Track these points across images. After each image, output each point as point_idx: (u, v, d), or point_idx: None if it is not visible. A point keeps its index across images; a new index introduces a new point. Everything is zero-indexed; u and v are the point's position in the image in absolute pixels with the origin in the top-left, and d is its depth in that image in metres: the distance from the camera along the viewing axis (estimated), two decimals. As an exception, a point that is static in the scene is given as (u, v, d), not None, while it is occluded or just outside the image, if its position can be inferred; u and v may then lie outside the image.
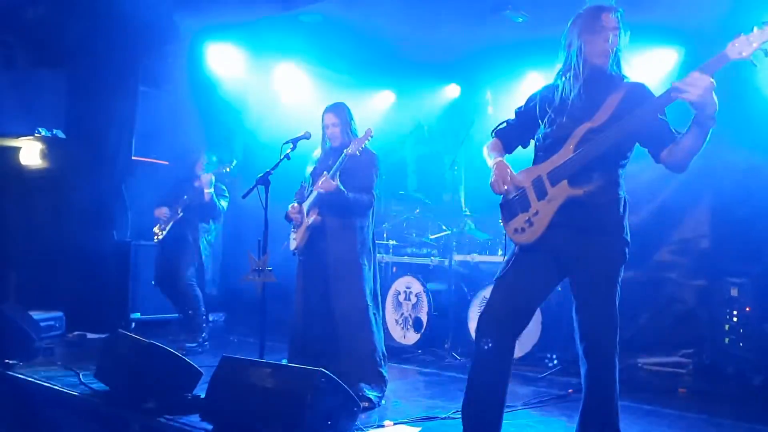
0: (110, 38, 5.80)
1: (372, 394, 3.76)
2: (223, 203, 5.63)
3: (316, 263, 4.12)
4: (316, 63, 6.99)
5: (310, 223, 4.10)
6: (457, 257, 5.85)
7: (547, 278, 2.67)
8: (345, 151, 3.98)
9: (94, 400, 3.61)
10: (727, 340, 4.57)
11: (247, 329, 6.23)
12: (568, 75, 2.66)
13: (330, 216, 4.08)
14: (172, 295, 5.63)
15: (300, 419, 2.78)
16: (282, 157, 4.09)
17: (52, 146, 6.26)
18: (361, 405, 3.29)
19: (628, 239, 2.62)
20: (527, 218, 2.63)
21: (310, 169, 4.30)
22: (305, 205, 4.20)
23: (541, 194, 2.61)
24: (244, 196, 4.22)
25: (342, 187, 3.94)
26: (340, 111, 4.23)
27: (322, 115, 4.28)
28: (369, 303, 4.01)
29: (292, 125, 5.80)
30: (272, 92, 7.11)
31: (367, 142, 4.01)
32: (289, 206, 4.26)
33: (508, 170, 2.68)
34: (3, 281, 5.89)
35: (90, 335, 5.60)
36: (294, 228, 4.28)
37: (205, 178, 5.42)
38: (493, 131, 2.95)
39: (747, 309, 4.52)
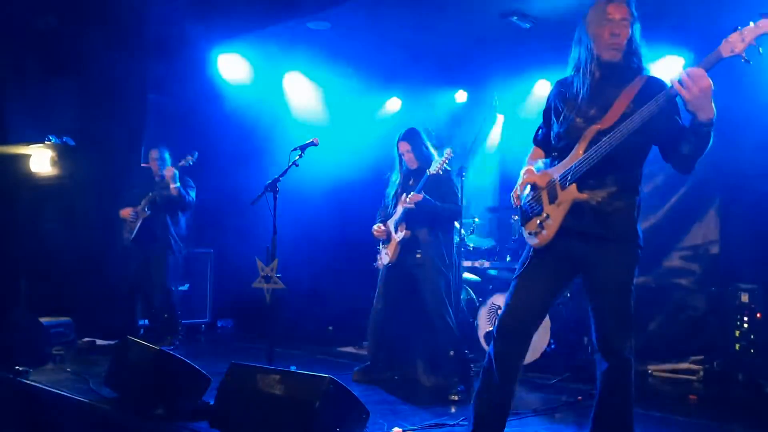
0: (120, 47, 5.84)
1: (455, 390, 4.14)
2: (191, 194, 5.67)
3: (402, 272, 4.52)
4: (323, 70, 7.02)
5: (400, 238, 4.45)
6: (466, 263, 5.84)
7: (559, 279, 2.66)
8: (428, 171, 4.31)
9: (104, 407, 3.62)
10: (738, 346, 4.54)
11: (256, 336, 6.24)
12: (579, 71, 2.60)
13: (420, 228, 4.45)
14: (149, 298, 5.71)
15: (308, 426, 2.78)
16: (290, 164, 4.13)
17: (62, 154, 6.29)
18: (453, 398, 4.03)
19: (641, 243, 2.59)
20: (540, 221, 2.60)
21: (391, 191, 4.70)
22: (391, 223, 4.57)
23: (553, 198, 2.58)
24: (253, 203, 4.27)
25: (428, 197, 4.31)
26: (411, 137, 4.59)
27: (396, 144, 4.64)
28: (450, 308, 4.43)
29: (300, 132, 5.85)
30: (281, 99, 7.14)
31: (447, 162, 4.32)
32: (374, 227, 4.64)
33: (527, 177, 2.68)
34: (13, 288, 5.91)
35: (99, 342, 5.61)
36: (383, 244, 4.66)
37: (169, 172, 5.47)
38: (533, 139, 2.93)
39: (758, 315, 4.49)
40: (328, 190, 6.89)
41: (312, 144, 4.22)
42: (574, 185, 2.51)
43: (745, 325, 4.50)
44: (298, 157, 4.17)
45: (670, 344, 5.32)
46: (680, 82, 2.24)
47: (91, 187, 6.23)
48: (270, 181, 4.17)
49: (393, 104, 7.57)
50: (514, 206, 2.77)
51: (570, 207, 2.52)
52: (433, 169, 4.29)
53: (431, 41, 6.12)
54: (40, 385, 4.01)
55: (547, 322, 4.86)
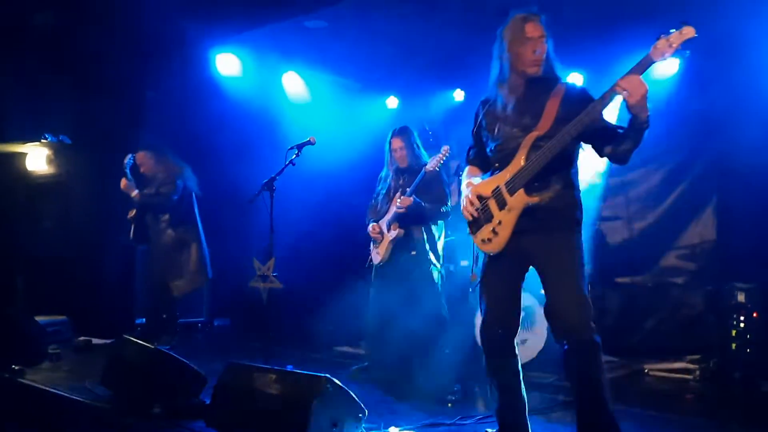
0: (117, 45, 5.83)
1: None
2: (166, 191, 5.62)
3: (402, 270, 4.49)
4: (321, 68, 7.01)
5: (393, 237, 4.45)
6: (463, 263, 5.83)
7: (516, 274, 2.81)
8: (425, 168, 4.32)
9: (100, 406, 3.61)
10: (734, 345, 4.54)
11: (253, 335, 6.23)
12: (503, 87, 2.78)
13: (413, 225, 4.46)
14: (149, 297, 5.71)
15: (305, 425, 2.77)
16: (287, 162, 4.14)
17: (58, 152, 6.28)
18: (450, 398, 3.96)
19: (581, 230, 2.76)
20: (492, 228, 2.74)
21: (381, 189, 4.70)
22: (383, 222, 4.56)
23: (502, 204, 2.72)
24: (249, 202, 4.26)
25: (418, 200, 4.32)
26: (405, 135, 4.58)
27: (389, 140, 4.61)
28: (446, 304, 4.53)
29: (297, 131, 5.83)
30: (278, 98, 7.13)
31: (444, 159, 4.32)
32: (369, 227, 4.65)
33: (474, 190, 2.81)
34: (10, 286, 5.91)
35: (96, 340, 5.60)
36: (375, 243, 4.64)
37: (121, 185, 5.54)
38: (465, 159, 3.07)
39: (754, 314, 4.49)
40: (325, 188, 6.88)
41: (309, 143, 4.23)
42: (522, 190, 2.66)
43: (742, 325, 4.50)
44: (294, 155, 4.18)
45: (667, 343, 5.32)
46: (621, 86, 2.42)
47: (88, 186, 6.22)
48: (267, 180, 4.16)
49: (391, 103, 7.57)
50: (467, 219, 2.87)
51: (521, 211, 2.67)
52: (430, 167, 4.31)
53: (429, 40, 6.11)
54: (36, 384, 4.01)
55: (543, 322, 4.86)
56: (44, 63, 6.04)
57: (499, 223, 2.71)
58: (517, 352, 2.87)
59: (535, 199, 2.64)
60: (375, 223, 4.65)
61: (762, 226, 4.90)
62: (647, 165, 5.72)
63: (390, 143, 4.62)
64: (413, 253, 4.49)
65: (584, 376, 2.59)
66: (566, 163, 2.70)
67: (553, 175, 2.66)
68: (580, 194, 2.77)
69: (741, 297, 4.56)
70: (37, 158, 6.24)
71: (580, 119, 2.52)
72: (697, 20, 4.97)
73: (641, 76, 2.41)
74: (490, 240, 2.74)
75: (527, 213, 2.66)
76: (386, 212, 4.59)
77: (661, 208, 5.72)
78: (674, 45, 2.37)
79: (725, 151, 5.28)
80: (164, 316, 5.60)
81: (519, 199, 2.66)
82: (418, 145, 4.63)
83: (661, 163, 5.71)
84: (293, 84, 7.12)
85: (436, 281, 4.50)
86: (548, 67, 2.73)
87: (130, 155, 5.69)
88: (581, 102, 2.58)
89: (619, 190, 5.84)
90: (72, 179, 6.27)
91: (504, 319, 2.80)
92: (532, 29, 2.68)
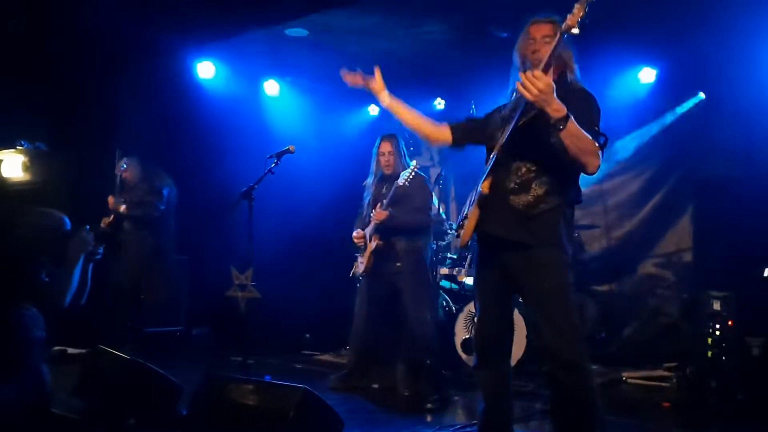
0: (94, 52, 5.77)
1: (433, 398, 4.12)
2: (156, 203, 5.64)
3: (382, 281, 4.54)
4: (301, 76, 7.00)
5: (373, 248, 4.47)
6: (443, 271, 5.84)
7: (503, 288, 2.64)
8: (396, 182, 4.32)
9: (74, 418, 3.55)
10: (710, 353, 4.58)
11: (232, 344, 6.17)
12: (514, 90, 2.60)
13: (397, 237, 4.46)
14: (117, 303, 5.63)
15: (283, 437, 2.75)
16: (266, 171, 4.12)
17: (34, 159, 6.19)
18: (429, 407, 4.00)
19: (567, 251, 2.53)
20: (463, 224, 2.66)
21: (366, 197, 4.70)
22: (367, 232, 4.56)
23: (472, 201, 2.64)
24: (228, 211, 4.23)
25: (393, 213, 4.35)
26: (395, 141, 4.58)
27: (377, 144, 4.61)
28: (429, 316, 4.49)
29: (278, 138, 5.81)
30: (258, 106, 7.11)
31: (413, 176, 4.31)
32: (353, 234, 4.64)
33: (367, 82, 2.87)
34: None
35: (71, 350, 5.51)
36: (360, 253, 4.63)
37: (110, 202, 5.55)
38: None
39: (730, 323, 4.53)
40: (306, 196, 6.86)
41: (288, 151, 4.22)
42: (488, 181, 2.53)
43: (717, 333, 4.54)
44: (274, 164, 4.16)
45: (645, 351, 5.38)
46: (522, 84, 2.23)
47: (64, 193, 6.13)
48: (245, 190, 4.14)
49: (371, 111, 7.57)
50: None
51: (478, 204, 2.55)
52: (400, 182, 4.31)
53: (409, 50, 6.13)
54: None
55: (522, 329, 4.88)
56: (19, 69, 5.95)
57: (466, 217, 2.63)
58: (507, 360, 2.73)
59: (484, 190, 2.50)
60: (361, 230, 4.65)
61: (737, 235, 4.97)
62: (625, 174, 5.80)
63: (378, 147, 4.61)
64: (398, 264, 4.49)
65: (575, 411, 2.41)
66: (554, 167, 2.45)
67: (538, 179, 2.46)
68: (570, 204, 2.56)
69: (717, 305, 4.59)
70: (12, 165, 6.15)
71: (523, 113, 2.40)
72: (673, 33, 5.08)
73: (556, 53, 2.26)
74: (459, 237, 2.68)
75: (506, 221, 2.48)
76: (369, 221, 4.60)
77: (638, 217, 5.80)
78: (578, 14, 2.17)
79: (701, 161, 5.37)
80: (130, 324, 5.53)
81: (480, 193, 2.54)
82: (404, 154, 4.64)
83: (638, 172, 5.79)
84: (274, 91, 7.11)
85: (422, 295, 4.49)
86: (562, 78, 2.50)
87: (123, 164, 5.64)
88: (575, 110, 2.29)
89: (598, 199, 5.90)
90: (48, 186, 6.18)
91: (494, 326, 2.65)
92: (535, 30, 2.55)
